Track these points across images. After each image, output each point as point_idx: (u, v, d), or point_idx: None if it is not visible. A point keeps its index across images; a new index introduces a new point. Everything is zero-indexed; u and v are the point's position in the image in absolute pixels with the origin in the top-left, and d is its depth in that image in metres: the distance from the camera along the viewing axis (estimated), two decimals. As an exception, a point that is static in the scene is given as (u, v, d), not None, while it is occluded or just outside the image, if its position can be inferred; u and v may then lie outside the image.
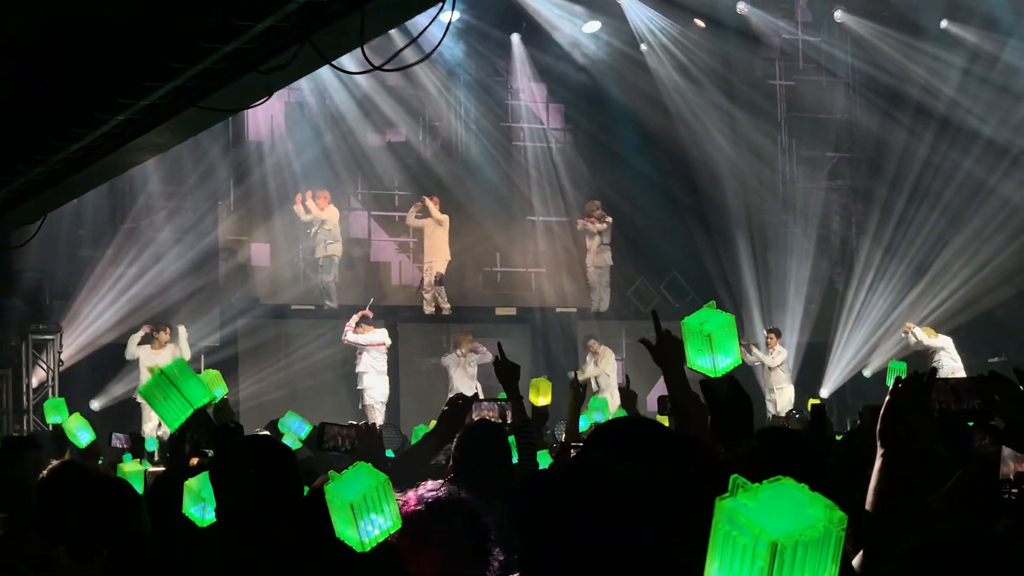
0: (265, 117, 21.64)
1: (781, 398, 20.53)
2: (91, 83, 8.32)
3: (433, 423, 6.87)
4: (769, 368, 20.79)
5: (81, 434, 9.50)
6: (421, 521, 3.73)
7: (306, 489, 4.33)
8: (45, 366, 18.58)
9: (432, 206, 21.13)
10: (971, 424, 4.41)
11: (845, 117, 24.46)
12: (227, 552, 4.39)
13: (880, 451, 3.53)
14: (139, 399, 18.19)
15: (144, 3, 7.12)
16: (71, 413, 10.38)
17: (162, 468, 7.83)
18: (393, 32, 13.01)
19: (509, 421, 6.34)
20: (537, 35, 22.58)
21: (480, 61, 22.96)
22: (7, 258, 17.27)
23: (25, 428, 17.63)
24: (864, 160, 24.28)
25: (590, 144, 23.29)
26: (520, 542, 2.86)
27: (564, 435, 8.47)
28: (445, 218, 21.14)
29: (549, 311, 22.91)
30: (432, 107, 22.92)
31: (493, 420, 6.40)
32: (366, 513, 3.29)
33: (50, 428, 10.72)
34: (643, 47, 23.03)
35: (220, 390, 8.64)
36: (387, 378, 19.99)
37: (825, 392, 21.59)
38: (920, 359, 19.12)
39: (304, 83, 21.19)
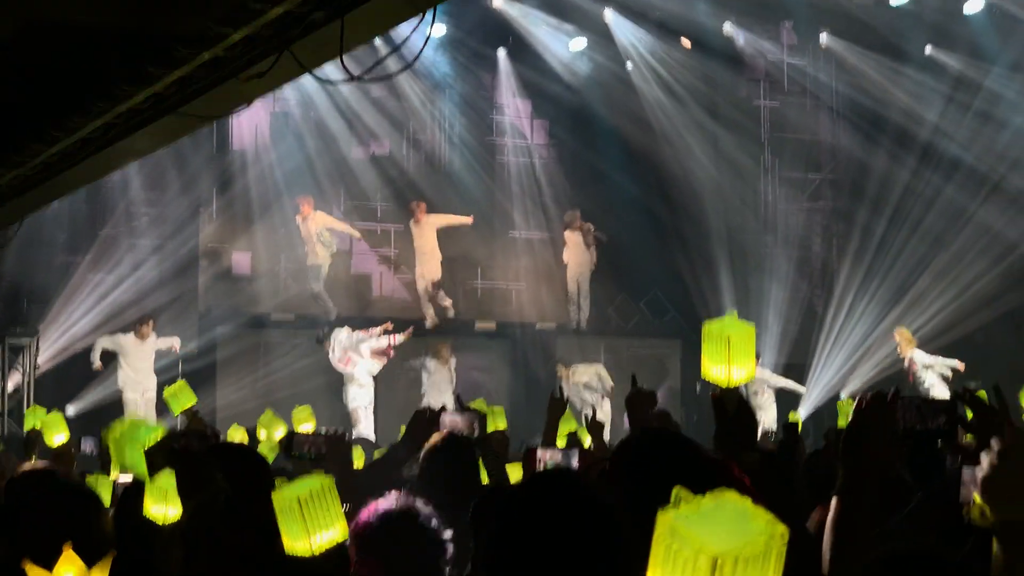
0: (249, 126, 21.63)
1: (765, 417, 20.55)
2: (68, 87, 8.31)
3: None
4: (751, 393, 20.84)
5: (57, 436, 9.50)
6: (371, 533, 3.73)
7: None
8: (21, 370, 18.53)
9: (418, 211, 21.23)
10: (938, 443, 4.41)
11: (828, 139, 24.54)
12: (191, 555, 4.38)
13: (842, 471, 3.53)
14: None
15: (122, 8, 7.10)
16: (57, 411, 10.40)
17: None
18: (377, 42, 13.07)
19: (477, 434, 6.34)
20: (523, 51, 22.60)
21: (465, 75, 22.98)
22: (-15, 261, 17.26)
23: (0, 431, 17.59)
24: (846, 182, 24.35)
25: (574, 161, 23.31)
26: (476, 554, 2.84)
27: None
28: (431, 219, 21.23)
29: (529, 327, 22.92)
30: (416, 120, 22.93)
31: (461, 432, 6.39)
32: (312, 514, 3.28)
33: (24, 433, 10.69)
34: (629, 65, 23.06)
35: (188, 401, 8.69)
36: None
37: (803, 413, 21.60)
38: (901, 381, 19.17)
39: (289, 93, 21.20)
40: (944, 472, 5.29)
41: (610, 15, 22.39)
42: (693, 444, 3.45)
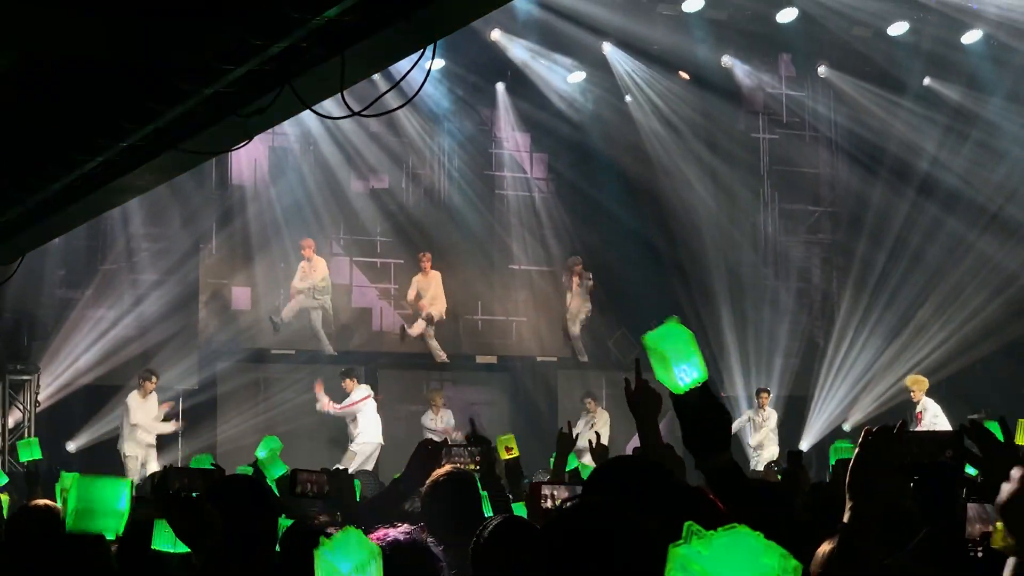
0: (249, 161, 21.66)
1: (765, 453, 20.54)
2: (69, 123, 8.32)
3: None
4: (756, 429, 20.82)
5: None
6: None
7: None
8: (22, 407, 18.50)
9: (424, 261, 21.42)
10: (945, 476, 4.40)
11: (827, 171, 24.57)
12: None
13: (848, 504, 3.52)
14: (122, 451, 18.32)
15: (123, 44, 7.12)
16: (47, 454, 10.36)
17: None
18: (377, 77, 13.10)
19: (479, 468, 6.32)
20: (522, 84, 22.64)
21: (464, 109, 23.02)
22: (-15, 298, 17.26)
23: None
24: (845, 214, 24.37)
25: (573, 194, 23.32)
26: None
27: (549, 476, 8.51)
28: (435, 274, 21.42)
29: (530, 360, 22.92)
30: (415, 154, 22.96)
31: (463, 467, 6.37)
32: None
33: (23, 467, 10.66)
34: (628, 99, 23.12)
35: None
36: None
37: (805, 445, 21.56)
38: (902, 414, 19.12)
39: (288, 128, 21.24)
40: (950, 506, 5.26)
41: (608, 48, 22.46)
42: (664, 471, 3.44)
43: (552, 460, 8.22)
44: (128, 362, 19.82)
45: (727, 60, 23.18)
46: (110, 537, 5.05)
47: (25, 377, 18.57)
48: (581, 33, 21.60)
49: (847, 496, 3.53)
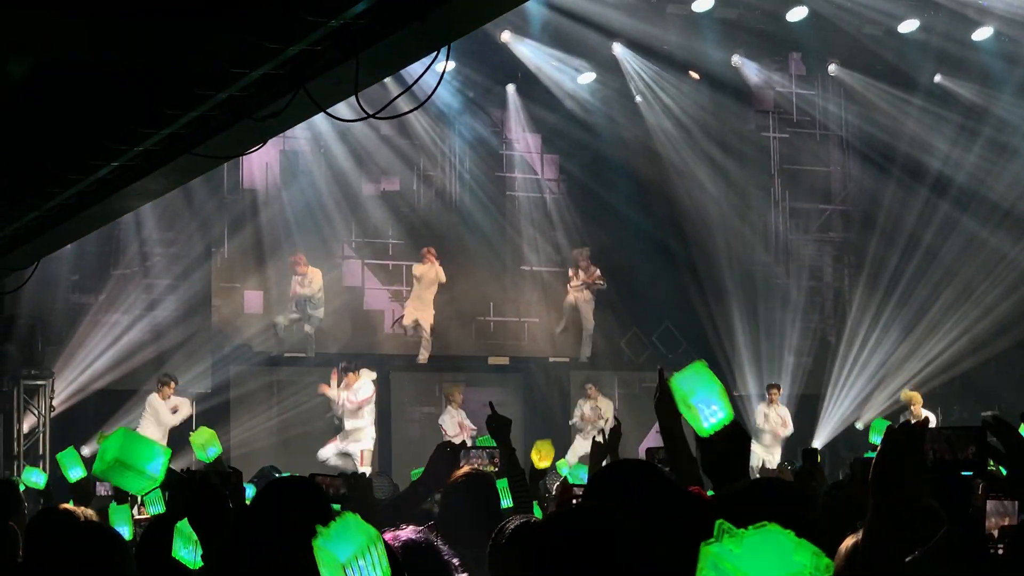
0: (260, 165, 21.68)
1: (772, 455, 20.54)
2: (85, 129, 8.34)
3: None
4: (765, 421, 20.82)
5: (73, 470, 9.48)
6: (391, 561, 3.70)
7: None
8: (36, 412, 18.54)
9: (428, 256, 21.35)
10: (968, 474, 4.39)
11: (838, 170, 24.55)
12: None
13: (872, 502, 3.51)
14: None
15: (138, 49, 7.13)
16: (72, 447, 10.32)
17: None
18: (388, 81, 13.12)
19: (497, 469, 6.33)
20: (532, 86, 22.64)
21: (475, 111, 23.03)
22: (0, 303, 17.28)
23: (15, 474, 17.56)
24: (857, 213, 24.34)
25: (584, 195, 23.32)
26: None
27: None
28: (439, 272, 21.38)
29: (542, 361, 22.91)
30: (426, 157, 22.97)
31: (482, 469, 6.38)
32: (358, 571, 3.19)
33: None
34: (638, 99, 23.10)
35: (214, 449, 8.66)
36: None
37: (818, 444, 21.53)
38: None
39: (299, 132, 21.24)
40: (972, 503, 5.26)
41: (618, 49, 22.45)
42: (662, 473, 3.47)
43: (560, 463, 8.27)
44: (141, 366, 19.87)
45: (737, 59, 23.15)
46: (134, 491, 5.08)
47: (39, 382, 18.60)
48: (591, 34, 21.60)
49: (870, 494, 3.53)
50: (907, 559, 3.72)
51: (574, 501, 5.30)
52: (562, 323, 22.83)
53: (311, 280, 20.96)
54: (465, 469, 6.11)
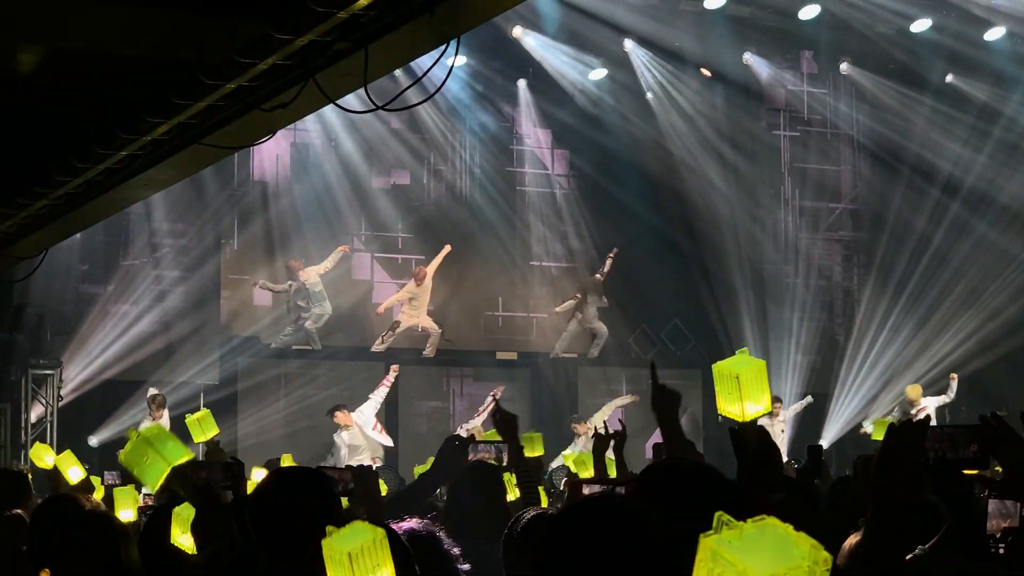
0: (270, 157, 21.70)
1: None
2: (93, 117, 8.34)
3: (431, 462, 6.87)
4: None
5: (72, 472, 9.50)
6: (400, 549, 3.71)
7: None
8: (44, 401, 18.57)
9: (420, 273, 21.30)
10: (968, 472, 4.38)
11: (849, 169, 24.53)
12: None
13: (873, 499, 3.51)
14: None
15: (146, 38, 7.13)
16: (69, 449, 10.35)
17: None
18: (399, 73, 13.12)
19: (506, 462, 6.34)
20: (543, 81, 22.64)
21: (485, 105, 23.02)
22: (8, 293, 17.32)
23: (23, 463, 17.60)
24: (867, 212, 24.32)
25: (594, 190, 23.31)
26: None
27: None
28: (427, 285, 21.31)
29: (549, 356, 22.91)
30: (437, 151, 22.97)
31: (490, 462, 6.39)
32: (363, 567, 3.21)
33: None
34: (649, 95, 23.09)
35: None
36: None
37: (825, 443, 21.51)
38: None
39: (310, 124, 21.27)
40: (973, 502, 5.25)
41: (630, 45, 22.44)
42: (719, 473, 3.43)
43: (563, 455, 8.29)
44: (150, 357, 19.90)
45: (748, 57, 23.14)
46: (149, 481, 5.12)
47: (47, 372, 18.64)
48: (603, 30, 21.60)
49: (871, 491, 3.52)
50: (908, 556, 3.72)
51: (586, 491, 5.31)
52: (568, 325, 22.74)
53: (306, 280, 20.91)
54: (473, 461, 6.13)
